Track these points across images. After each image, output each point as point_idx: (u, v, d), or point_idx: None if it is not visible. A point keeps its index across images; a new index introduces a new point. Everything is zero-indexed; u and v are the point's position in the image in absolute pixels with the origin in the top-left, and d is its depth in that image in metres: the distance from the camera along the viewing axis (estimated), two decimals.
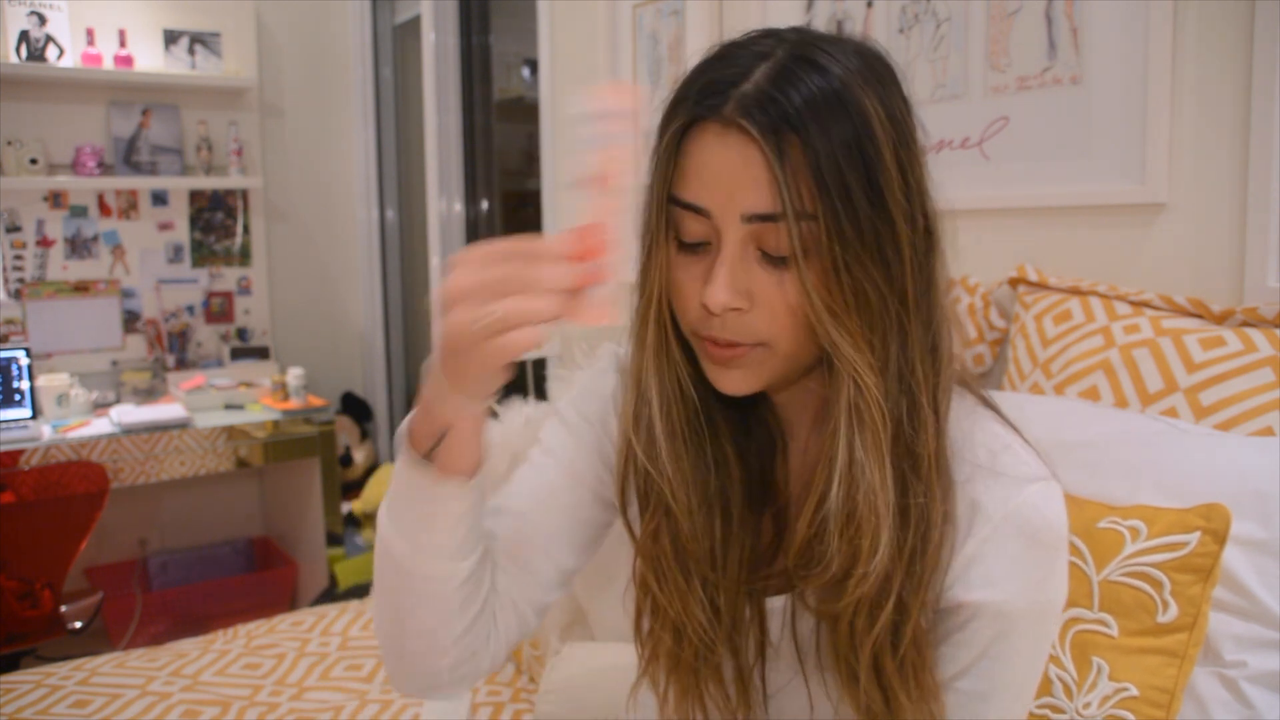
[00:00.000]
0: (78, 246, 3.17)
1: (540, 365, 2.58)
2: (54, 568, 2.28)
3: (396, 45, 3.63)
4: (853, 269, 0.63)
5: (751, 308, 0.66)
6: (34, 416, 2.63)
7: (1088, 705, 0.87)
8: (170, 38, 3.23)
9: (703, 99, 0.64)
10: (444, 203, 3.20)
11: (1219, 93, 1.24)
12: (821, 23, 1.77)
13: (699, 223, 0.66)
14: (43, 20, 2.98)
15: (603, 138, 0.63)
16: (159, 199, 3.31)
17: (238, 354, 3.38)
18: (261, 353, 3.42)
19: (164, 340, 3.31)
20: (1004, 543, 0.67)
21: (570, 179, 1.37)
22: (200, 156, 3.30)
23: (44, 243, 3.12)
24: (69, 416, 2.73)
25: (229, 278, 3.46)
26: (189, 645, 1.65)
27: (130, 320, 3.27)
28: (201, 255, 3.40)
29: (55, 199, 3.13)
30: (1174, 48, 1.27)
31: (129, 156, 3.20)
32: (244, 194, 3.44)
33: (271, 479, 3.34)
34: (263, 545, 3.36)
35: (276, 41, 3.53)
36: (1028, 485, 0.68)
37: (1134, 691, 0.86)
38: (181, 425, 2.71)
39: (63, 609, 2.27)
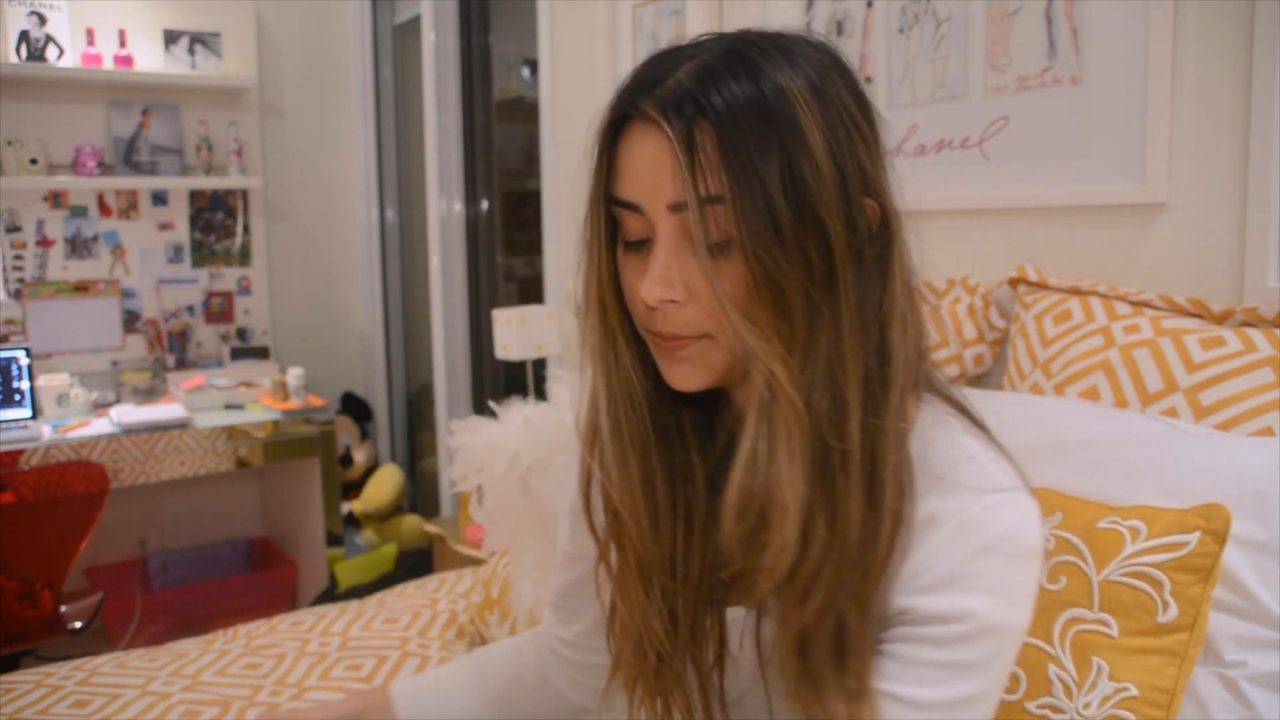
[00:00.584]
0: (78, 246, 3.17)
1: (540, 365, 2.58)
2: (54, 568, 2.28)
3: (396, 45, 3.63)
4: (763, 258, 0.62)
5: (688, 299, 0.66)
6: (34, 416, 2.63)
7: (1088, 705, 0.87)
8: (170, 38, 3.23)
9: (630, 98, 0.66)
10: (444, 203, 3.20)
11: (1219, 93, 1.24)
12: (821, 23, 1.77)
13: (637, 220, 0.67)
14: (43, 20, 2.98)
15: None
16: (159, 199, 3.31)
17: (238, 354, 3.38)
18: (261, 353, 3.42)
19: (164, 340, 3.31)
20: (952, 549, 0.65)
21: None
22: (200, 156, 3.30)
23: (44, 243, 3.12)
24: (69, 416, 2.73)
25: (229, 278, 3.46)
26: (189, 645, 1.65)
27: (130, 320, 3.27)
28: (201, 255, 3.40)
29: (55, 199, 3.13)
30: (1174, 48, 1.27)
31: (129, 156, 3.20)
32: (244, 194, 3.44)
33: (271, 479, 3.34)
34: (263, 545, 3.36)
35: (276, 41, 3.53)
36: (985, 496, 0.66)
37: (1134, 691, 0.86)
38: (181, 425, 2.71)
39: (63, 609, 2.27)
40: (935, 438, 0.69)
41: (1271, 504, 0.91)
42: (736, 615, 0.75)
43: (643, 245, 0.68)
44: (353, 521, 3.39)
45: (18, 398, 2.62)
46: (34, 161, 3.01)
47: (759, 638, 0.73)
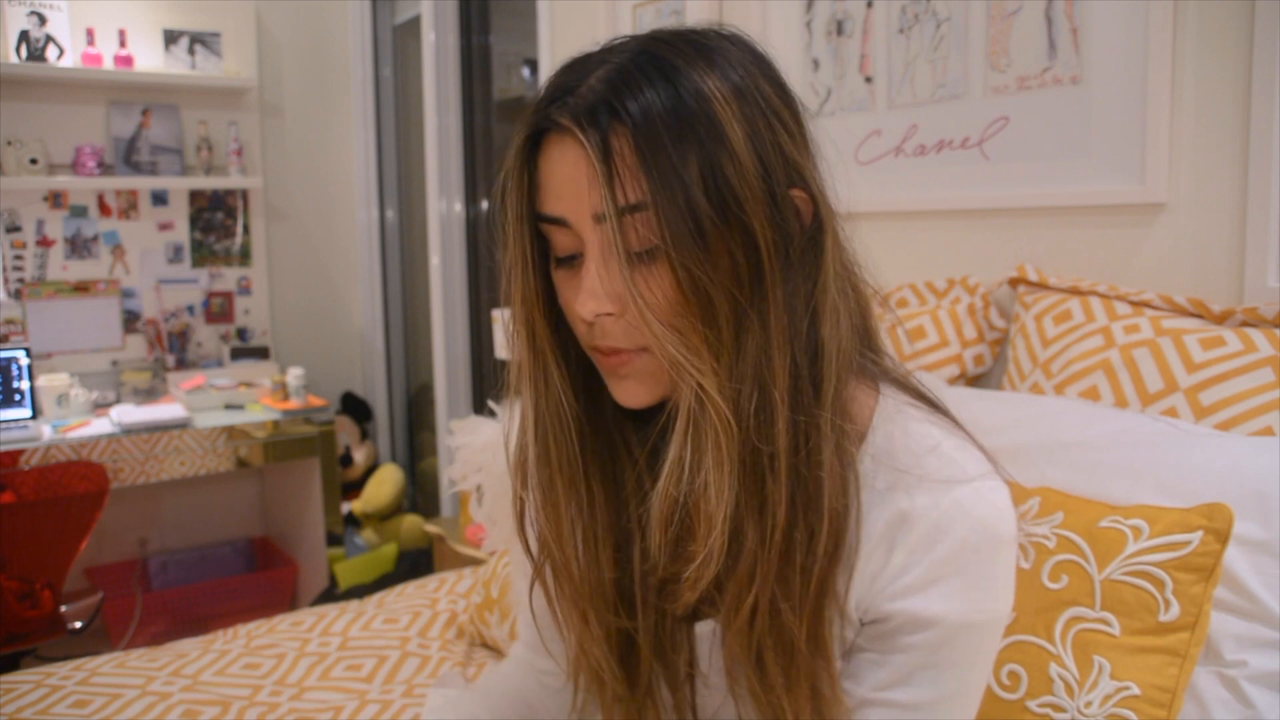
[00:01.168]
0: (78, 246, 3.17)
1: None
2: (54, 568, 2.28)
3: (396, 45, 3.63)
4: (688, 264, 0.60)
5: (624, 311, 0.64)
6: (34, 416, 2.63)
7: (1089, 704, 0.87)
8: (170, 38, 3.23)
9: (543, 111, 0.64)
10: (444, 203, 3.20)
11: (1219, 93, 1.24)
12: (821, 23, 1.77)
13: (565, 235, 0.65)
14: (43, 20, 2.98)
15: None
16: (159, 199, 3.31)
17: (238, 354, 3.38)
18: (261, 353, 3.42)
19: (164, 340, 3.31)
20: (932, 549, 0.64)
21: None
22: (200, 156, 3.30)
23: (44, 243, 3.12)
24: (69, 416, 2.73)
25: (229, 278, 3.46)
26: (189, 645, 1.65)
27: (130, 320, 3.27)
28: (201, 255, 3.40)
29: (55, 199, 3.13)
30: (1174, 48, 1.27)
31: (129, 156, 3.20)
32: (244, 194, 3.44)
33: (271, 479, 3.34)
34: (263, 545, 3.36)
35: (276, 41, 3.53)
36: (955, 488, 0.65)
37: (1135, 690, 0.86)
38: (181, 425, 2.71)
39: (63, 609, 2.27)
40: (895, 429, 0.68)
41: (1272, 504, 0.91)
42: (705, 630, 0.73)
43: (574, 260, 0.65)
44: (353, 521, 3.39)
45: (18, 398, 2.62)
46: (34, 161, 3.01)
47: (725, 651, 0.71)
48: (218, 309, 3.44)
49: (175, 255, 3.35)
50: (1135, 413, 1.13)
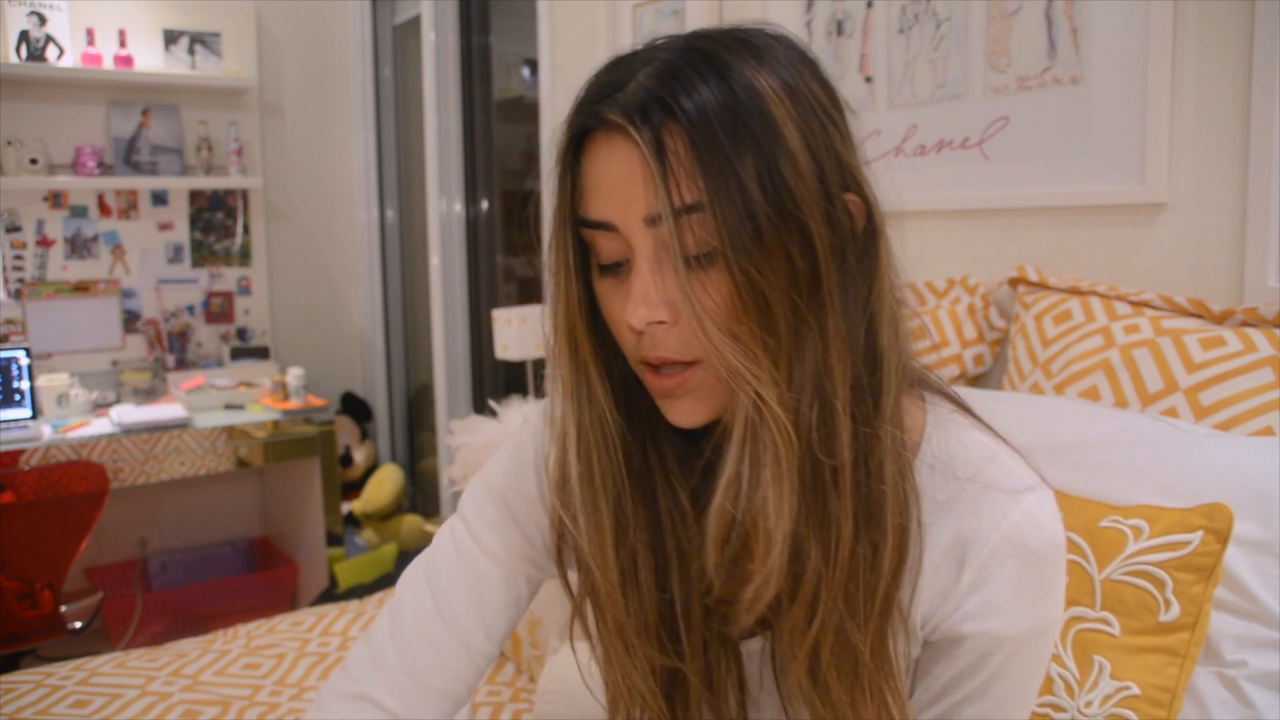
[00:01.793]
0: (78, 246, 3.17)
1: (540, 365, 2.58)
2: (54, 568, 2.28)
3: (396, 45, 3.63)
4: (746, 267, 0.57)
5: (676, 319, 0.60)
6: (34, 416, 2.63)
7: (1089, 704, 0.87)
8: (170, 38, 3.23)
9: (589, 109, 0.61)
10: (444, 203, 3.20)
11: (1219, 93, 1.24)
12: (821, 23, 1.77)
13: (611, 240, 0.61)
14: (43, 20, 2.98)
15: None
16: (159, 199, 3.30)
17: (238, 354, 3.38)
18: (261, 353, 3.42)
19: (164, 340, 3.31)
20: (1003, 567, 0.63)
21: None
22: (200, 156, 3.30)
23: (44, 243, 3.12)
24: (69, 416, 2.73)
25: (229, 278, 3.46)
26: (189, 645, 1.65)
27: (130, 320, 3.27)
28: (201, 255, 3.40)
29: (55, 199, 3.13)
30: (1174, 48, 1.27)
31: (129, 156, 3.20)
32: (244, 194, 3.44)
33: (271, 479, 3.34)
34: (263, 545, 3.36)
35: (276, 41, 3.53)
36: (1020, 499, 0.63)
37: (1136, 690, 0.86)
38: (181, 425, 2.71)
39: (63, 609, 2.27)
40: (950, 439, 0.66)
41: (1272, 504, 0.91)
42: (754, 648, 0.71)
43: (620, 267, 0.62)
44: (353, 521, 3.39)
45: (18, 398, 2.62)
46: (34, 161, 3.01)
47: (776, 671, 0.69)
48: (218, 309, 3.44)
49: (175, 255, 3.35)
50: (1135, 413, 1.13)
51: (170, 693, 1.46)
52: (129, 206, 3.25)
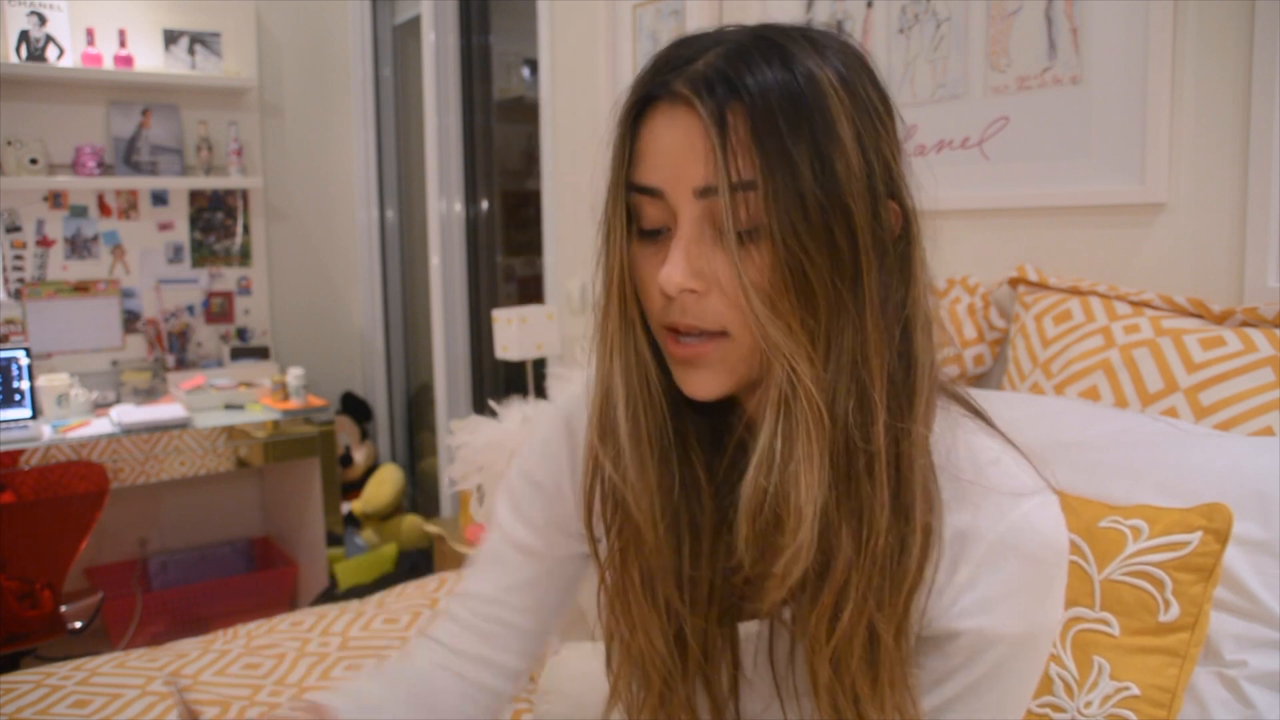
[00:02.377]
0: (78, 246, 3.17)
1: (540, 365, 2.58)
2: (54, 568, 2.28)
3: (396, 45, 3.63)
4: (791, 245, 0.59)
5: (708, 290, 0.62)
6: (34, 416, 2.63)
7: (1089, 704, 0.87)
8: (170, 38, 3.23)
9: (655, 79, 0.64)
10: (444, 203, 3.20)
11: (1219, 93, 1.24)
12: (821, 23, 1.77)
13: (655, 207, 0.64)
14: (43, 20, 2.98)
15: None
16: (159, 199, 3.31)
17: (238, 354, 3.38)
18: (261, 353, 3.42)
19: (164, 340, 3.31)
20: (1000, 566, 0.64)
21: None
22: (200, 156, 3.30)
23: (44, 243, 3.12)
24: (69, 416, 2.73)
25: (229, 278, 3.46)
26: (189, 645, 1.65)
27: (130, 320, 3.27)
28: (201, 255, 3.40)
29: (55, 199, 3.13)
30: (1174, 48, 1.27)
31: (129, 156, 3.20)
32: (244, 194, 3.44)
33: (271, 479, 3.34)
34: (263, 545, 3.36)
35: (276, 41, 3.53)
36: (1021, 501, 0.65)
37: (1135, 691, 0.86)
38: (181, 425, 2.71)
39: (63, 609, 2.27)
40: (954, 442, 0.67)
41: (1272, 504, 0.91)
42: (749, 631, 0.73)
43: (658, 234, 0.65)
44: (353, 521, 3.39)
45: (18, 398, 2.62)
46: (34, 161, 3.01)
47: (773, 654, 0.70)
48: (218, 309, 3.44)
49: (175, 255, 3.35)
50: (1135, 413, 1.13)
51: (170, 693, 1.46)
52: (129, 206, 3.25)
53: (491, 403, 1.60)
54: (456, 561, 2.53)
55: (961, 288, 1.53)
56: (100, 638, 2.79)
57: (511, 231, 3.28)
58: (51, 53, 3.00)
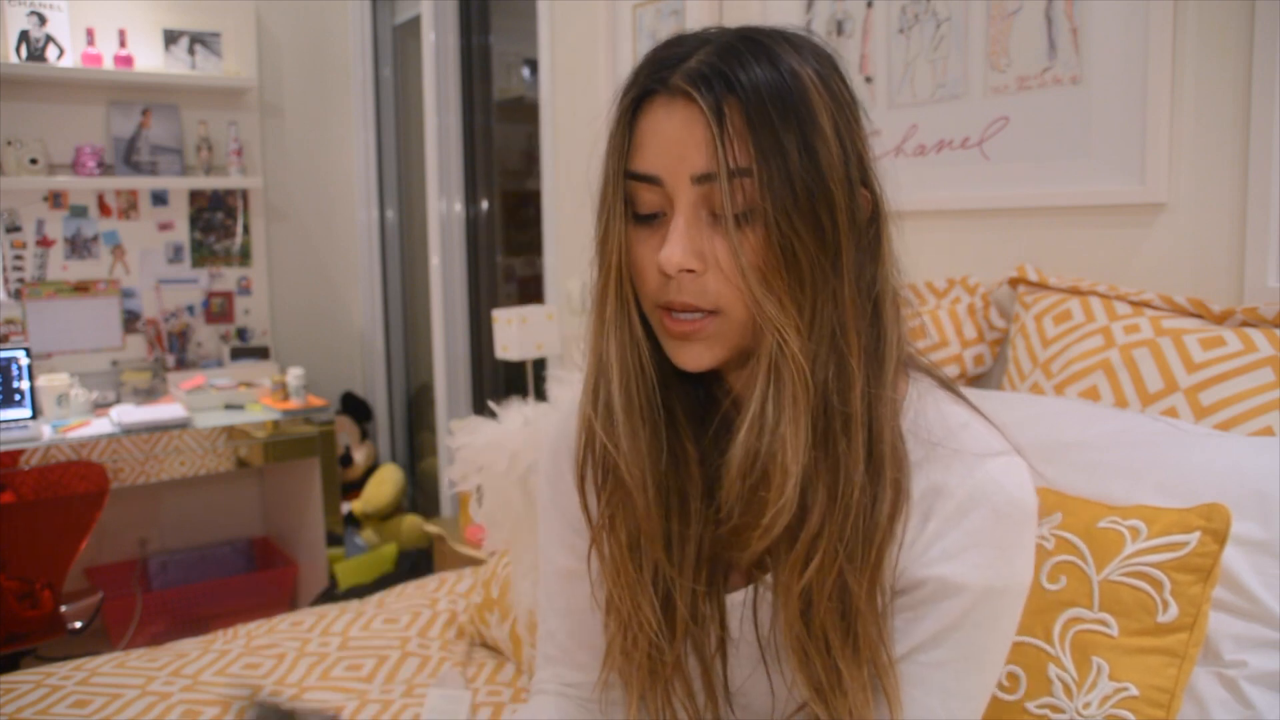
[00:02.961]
0: (78, 246, 3.17)
1: (540, 365, 2.58)
2: (54, 568, 2.28)
3: (396, 45, 3.63)
4: (783, 226, 0.64)
5: (705, 270, 0.67)
6: (34, 416, 2.63)
7: (1088, 705, 0.87)
8: (170, 38, 3.23)
9: (652, 74, 0.69)
10: (444, 203, 3.20)
11: (1219, 93, 1.24)
12: (821, 23, 1.77)
13: (652, 193, 0.69)
14: (43, 20, 2.98)
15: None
16: (159, 199, 3.31)
17: (238, 354, 3.38)
18: (261, 353, 3.42)
19: (164, 340, 3.31)
20: (966, 518, 0.68)
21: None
22: (200, 156, 3.30)
23: (44, 243, 3.12)
24: (69, 416, 2.73)
25: (229, 278, 3.46)
26: (189, 645, 1.65)
27: (130, 320, 3.27)
28: (201, 255, 3.40)
29: (55, 199, 3.13)
30: (1174, 48, 1.27)
31: (129, 156, 3.20)
32: (244, 194, 3.44)
33: (271, 479, 3.34)
34: (263, 545, 3.36)
35: (276, 41, 3.53)
36: (987, 461, 0.69)
37: (1134, 691, 0.86)
38: (181, 425, 2.71)
39: (63, 609, 2.27)
40: (926, 407, 0.73)
41: (1271, 504, 0.91)
42: (735, 600, 0.77)
43: (653, 219, 0.70)
44: (353, 521, 3.39)
45: (18, 398, 2.62)
46: (34, 161, 3.01)
47: (756, 618, 0.74)
48: (218, 309, 3.44)
49: (175, 255, 3.35)
50: (1135, 413, 1.13)
51: (170, 693, 1.46)
52: (129, 206, 3.25)
53: (491, 403, 1.60)
54: (456, 561, 2.53)
55: (961, 288, 1.53)
56: (100, 638, 2.79)
57: (511, 231, 3.28)
58: (51, 53, 3.00)
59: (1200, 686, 0.89)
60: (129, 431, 2.64)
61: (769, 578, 0.73)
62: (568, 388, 1.51)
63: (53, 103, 3.07)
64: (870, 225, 0.71)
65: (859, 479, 0.67)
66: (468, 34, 3.16)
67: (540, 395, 2.38)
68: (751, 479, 0.68)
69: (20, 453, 2.46)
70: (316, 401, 2.98)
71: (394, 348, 3.74)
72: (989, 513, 0.68)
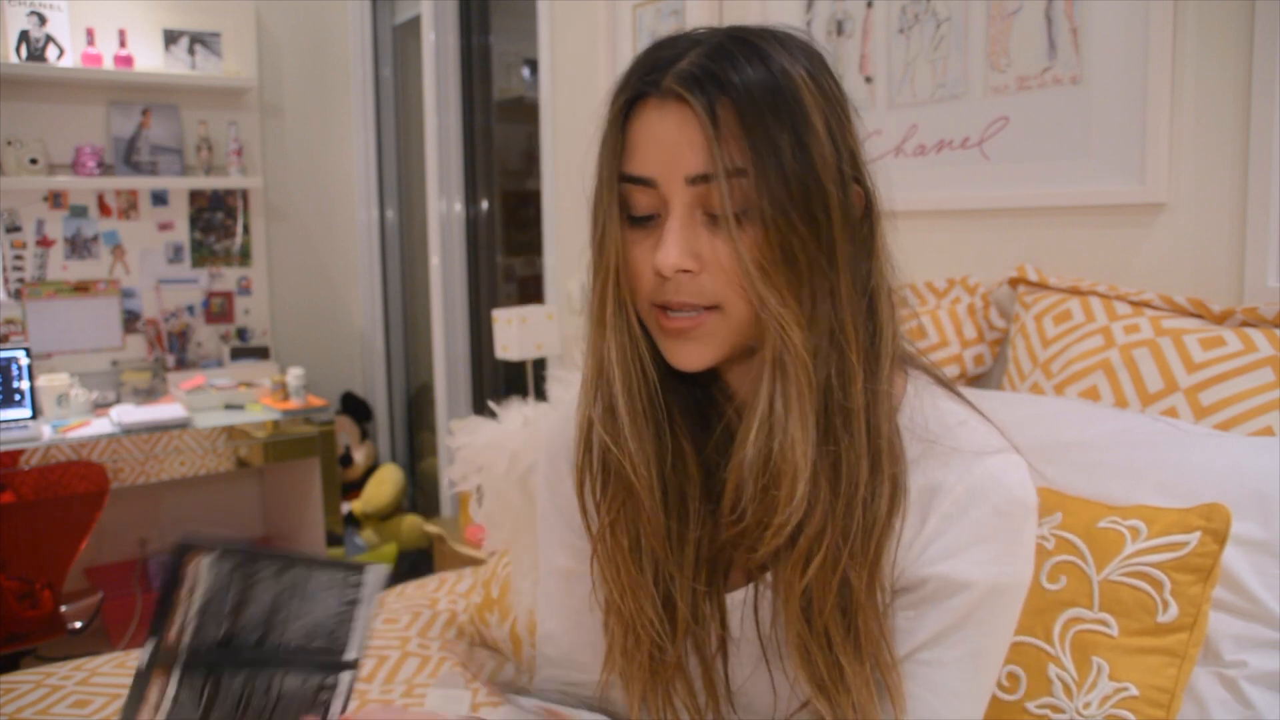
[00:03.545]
0: (78, 246, 3.17)
1: (540, 365, 2.58)
2: (54, 568, 2.28)
3: (396, 45, 3.63)
4: (780, 224, 0.64)
5: (701, 270, 0.67)
6: (34, 416, 2.63)
7: (1088, 705, 0.87)
8: (170, 38, 3.23)
9: (643, 77, 0.68)
10: (444, 203, 3.20)
11: (1219, 93, 1.24)
12: (821, 23, 1.77)
13: (647, 195, 0.68)
14: (43, 20, 2.98)
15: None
16: (159, 199, 3.30)
17: (238, 354, 3.38)
18: (261, 353, 3.42)
19: (164, 340, 3.31)
20: (966, 515, 0.68)
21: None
22: (200, 156, 3.30)
23: (44, 243, 3.12)
24: (69, 416, 2.73)
25: (229, 278, 3.46)
26: None
27: (130, 320, 3.27)
28: (201, 255, 3.40)
29: (55, 199, 3.13)
30: (1174, 48, 1.27)
31: (129, 156, 3.20)
32: (244, 194, 3.44)
33: (271, 479, 3.34)
34: (263, 545, 3.36)
35: (276, 41, 3.53)
36: (986, 458, 0.69)
37: (1134, 691, 0.86)
38: (181, 425, 2.71)
39: (63, 609, 2.27)
40: (923, 404, 0.72)
41: (1271, 504, 0.91)
42: (735, 599, 0.76)
43: (647, 221, 0.69)
44: (353, 521, 3.38)
45: (18, 398, 2.62)
46: (34, 161, 3.01)
47: (758, 616, 0.74)
48: (218, 309, 3.44)
49: (175, 255, 3.35)
50: (1135, 413, 1.13)
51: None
52: (129, 206, 3.25)
53: (491, 403, 1.60)
54: (456, 561, 2.53)
55: (961, 288, 1.53)
56: (100, 638, 2.79)
57: (511, 231, 3.28)
58: (51, 53, 3.00)
59: (1200, 686, 0.89)
60: (129, 431, 2.64)
61: (769, 576, 0.73)
62: (568, 388, 1.51)
63: (53, 103, 3.07)
64: (864, 221, 0.71)
65: (861, 474, 0.67)
66: (468, 34, 3.16)
67: (540, 395, 2.38)
68: (765, 479, 0.68)
69: (20, 453, 2.46)
70: (316, 401, 2.98)
71: (394, 348, 3.74)
72: (989, 509, 0.68)
